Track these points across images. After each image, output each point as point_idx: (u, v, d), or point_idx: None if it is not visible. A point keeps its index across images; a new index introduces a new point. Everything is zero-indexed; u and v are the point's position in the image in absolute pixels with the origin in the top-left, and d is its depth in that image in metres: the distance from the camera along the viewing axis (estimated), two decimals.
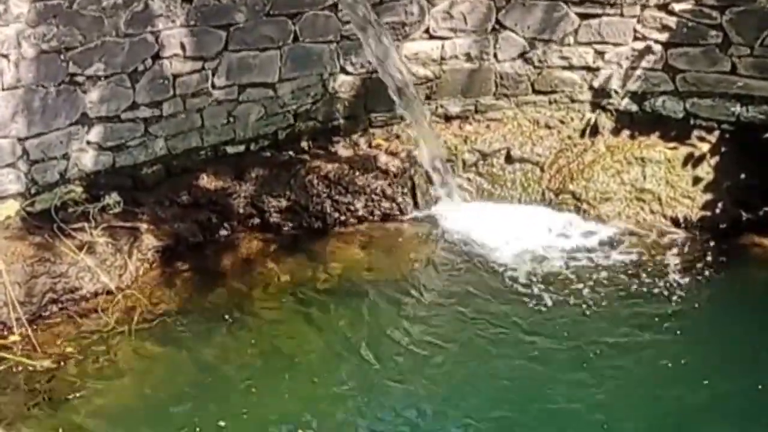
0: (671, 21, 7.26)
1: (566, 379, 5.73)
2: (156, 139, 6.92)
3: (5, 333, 5.94)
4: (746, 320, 6.21)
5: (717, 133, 7.34)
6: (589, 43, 7.45)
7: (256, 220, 7.04)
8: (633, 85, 7.49)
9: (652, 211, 7.18)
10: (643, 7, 7.30)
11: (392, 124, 7.57)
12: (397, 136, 7.56)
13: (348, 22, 7.18)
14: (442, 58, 7.52)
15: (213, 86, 7.00)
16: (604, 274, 6.64)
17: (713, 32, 7.18)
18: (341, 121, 7.52)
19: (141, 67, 6.68)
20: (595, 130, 7.53)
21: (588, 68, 7.52)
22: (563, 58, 7.50)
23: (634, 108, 7.53)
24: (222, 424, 5.40)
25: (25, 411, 5.45)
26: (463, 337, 6.10)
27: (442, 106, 7.63)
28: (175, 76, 6.83)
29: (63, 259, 6.30)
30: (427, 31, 7.45)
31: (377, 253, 6.92)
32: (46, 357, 5.82)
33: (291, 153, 7.37)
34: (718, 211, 7.09)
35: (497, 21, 7.44)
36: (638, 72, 7.45)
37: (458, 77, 7.57)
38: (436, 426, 5.47)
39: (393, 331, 6.17)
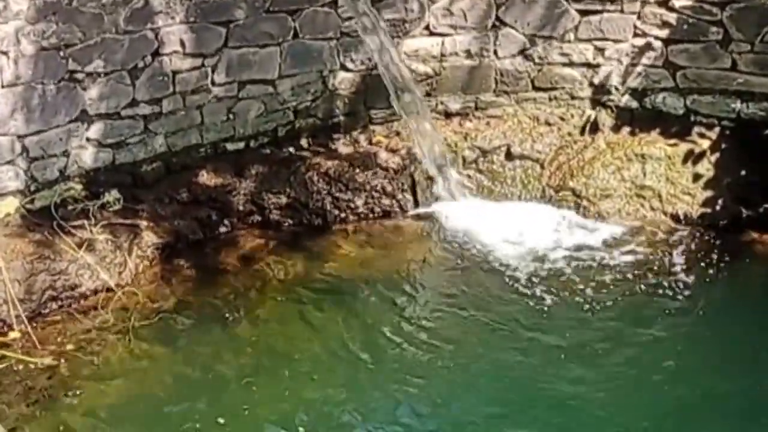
0: (671, 17, 7.26)
1: (567, 378, 5.72)
2: (156, 136, 6.92)
3: (5, 330, 5.95)
4: (747, 318, 6.20)
5: (717, 129, 7.33)
6: (589, 40, 7.44)
7: (256, 218, 7.04)
8: (633, 82, 7.49)
9: (652, 208, 7.18)
10: (644, 3, 7.29)
11: (392, 121, 7.56)
12: (398, 133, 7.55)
13: (348, 19, 7.17)
14: (442, 55, 7.51)
15: (213, 83, 7.00)
16: (604, 271, 6.63)
17: (714, 29, 7.17)
18: (341, 118, 7.51)
19: (141, 64, 6.68)
20: (595, 127, 7.53)
21: (588, 65, 7.51)
22: (563, 54, 7.49)
23: (635, 105, 7.53)
24: (221, 421, 5.41)
25: (24, 408, 5.46)
26: (464, 336, 6.10)
27: (442, 103, 7.63)
28: (175, 73, 6.83)
29: (63, 256, 6.30)
30: (427, 27, 7.44)
31: (377, 250, 6.92)
32: (46, 354, 5.82)
33: (291, 150, 7.36)
34: (718, 207, 7.09)
35: (497, 18, 7.43)
36: (638, 68, 7.44)
37: (458, 74, 7.56)
38: (435, 425, 5.47)
39: (393, 329, 6.17)
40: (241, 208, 7.00)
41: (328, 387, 5.70)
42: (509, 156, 7.46)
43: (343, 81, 7.42)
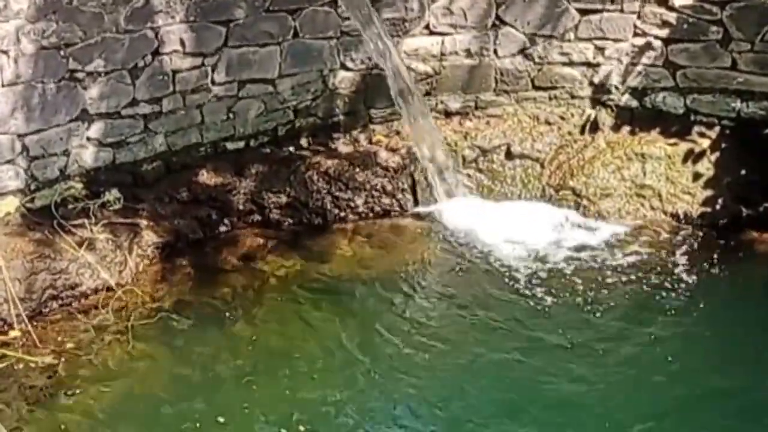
0: (671, 17, 7.26)
1: (568, 377, 5.73)
2: (156, 136, 6.92)
3: (5, 329, 5.95)
4: (748, 318, 6.20)
5: (717, 128, 7.33)
6: (589, 39, 7.44)
7: (256, 217, 7.04)
8: (633, 81, 7.49)
9: (652, 207, 7.18)
10: (644, 2, 7.29)
11: (392, 120, 7.56)
12: (398, 133, 7.55)
13: (348, 18, 7.17)
14: (442, 54, 7.51)
15: (213, 82, 7.00)
16: (604, 271, 6.63)
17: (714, 28, 7.17)
18: (341, 117, 7.51)
19: (141, 64, 6.68)
20: (595, 126, 7.53)
21: (588, 64, 7.51)
22: (563, 54, 7.49)
23: (635, 104, 7.53)
24: (221, 420, 5.41)
25: (25, 407, 5.46)
26: (463, 336, 6.10)
27: (442, 102, 7.62)
28: (175, 72, 6.83)
29: (63, 255, 6.30)
30: (427, 27, 7.44)
31: (377, 249, 6.92)
32: (46, 353, 5.82)
33: (291, 149, 7.37)
34: (718, 207, 7.09)
35: (497, 17, 7.43)
36: (638, 68, 7.44)
37: (458, 73, 7.56)
38: (435, 425, 5.46)
39: (393, 328, 6.17)
40: (241, 207, 7.00)
41: (327, 386, 5.69)
42: (509, 155, 7.46)
43: (343, 80, 7.42)
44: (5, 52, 6.13)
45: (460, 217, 7.16)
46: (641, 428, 5.38)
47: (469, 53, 7.51)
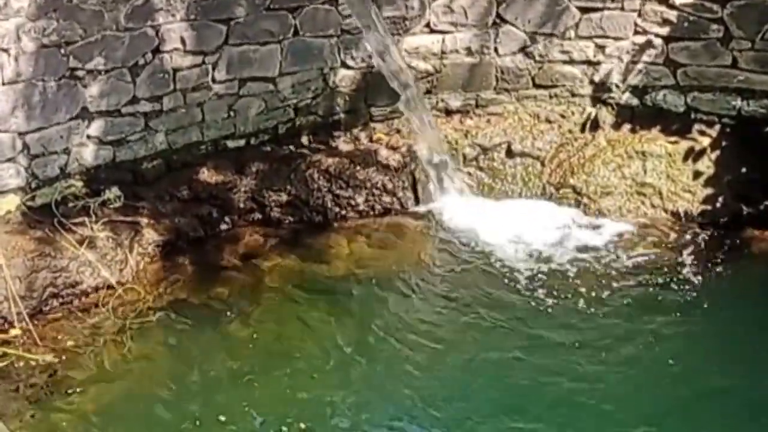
0: (672, 15, 7.25)
1: (569, 375, 5.73)
2: (156, 134, 6.92)
3: (6, 327, 5.94)
4: (748, 316, 6.20)
5: (718, 127, 7.33)
6: (589, 37, 7.44)
7: (257, 215, 7.04)
8: (634, 79, 7.49)
9: (652, 206, 7.18)
10: (644, 0, 7.29)
11: (393, 118, 7.56)
12: (398, 131, 7.55)
13: (349, 16, 7.17)
14: (443, 52, 7.51)
15: (213, 80, 6.99)
16: (605, 269, 6.63)
17: (714, 26, 7.17)
18: (342, 115, 7.51)
19: (141, 62, 6.68)
20: (595, 125, 7.53)
21: (589, 62, 7.51)
22: (564, 52, 7.49)
23: (635, 102, 7.53)
24: (222, 418, 5.40)
25: (26, 405, 5.45)
26: (464, 335, 6.09)
27: (442, 101, 7.62)
28: (176, 71, 6.83)
29: (63, 253, 6.30)
30: (427, 25, 7.44)
31: (378, 248, 6.92)
32: (47, 351, 5.82)
33: (291, 147, 7.36)
34: (718, 205, 7.09)
35: (498, 15, 7.43)
36: (639, 66, 7.44)
37: (459, 71, 7.56)
38: (436, 424, 5.46)
39: (393, 327, 6.17)
40: (241, 205, 7.00)
41: (327, 385, 5.69)
42: (510, 153, 7.46)
43: (344, 78, 7.42)
44: (6, 51, 6.12)
45: (461, 215, 7.15)
46: (643, 425, 5.38)
47: (469, 51, 7.51)
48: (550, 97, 7.60)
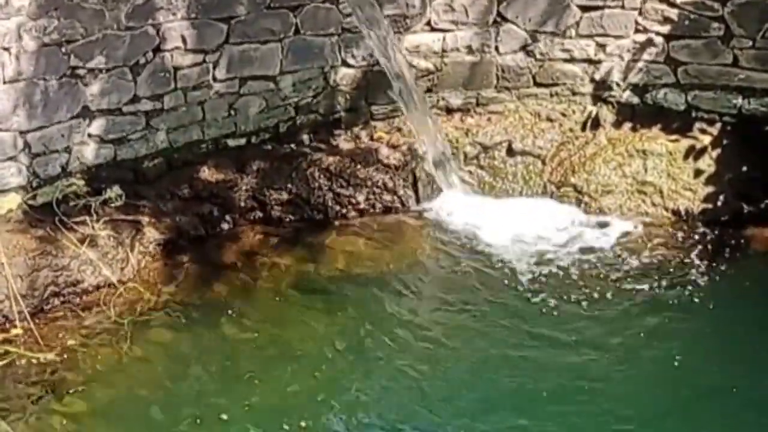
0: (673, 13, 7.25)
1: (570, 373, 5.73)
2: (157, 132, 6.92)
3: (8, 326, 5.95)
4: (748, 315, 6.20)
5: (719, 125, 7.33)
6: (590, 36, 7.44)
7: (258, 213, 7.04)
8: (634, 78, 7.49)
9: (653, 204, 7.18)
10: None
11: (393, 116, 7.56)
12: (399, 129, 7.55)
13: (349, 15, 7.17)
14: (444, 51, 7.50)
15: (214, 79, 6.99)
16: (605, 267, 6.63)
17: (715, 24, 7.17)
18: (342, 113, 7.51)
19: (142, 60, 6.68)
20: (596, 123, 7.53)
21: (589, 61, 7.51)
22: (565, 50, 7.49)
23: (636, 100, 7.53)
24: (224, 417, 5.41)
25: (27, 404, 5.46)
26: (466, 333, 6.09)
27: (443, 99, 7.62)
28: (177, 69, 6.83)
29: (65, 252, 6.30)
30: (428, 23, 7.43)
31: (379, 246, 6.92)
32: (49, 350, 5.82)
33: (292, 146, 7.36)
34: (719, 203, 7.09)
35: (499, 13, 7.42)
36: (640, 64, 7.44)
37: (459, 70, 7.56)
38: (437, 421, 5.46)
39: (394, 325, 6.17)
40: (242, 204, 7.00)
41: (329, 384, 5.70)
42: (510, 152, 7.46)
43: (345, 77, 7.42)
44: (7, 49, 6.12)
45: (462, 213, 7.15)
46: (643, 426, 5.38)
47: (470, 50, 7.51)
48: (551, 95, 7.60)
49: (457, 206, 7.24)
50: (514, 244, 6.84)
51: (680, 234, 6.96)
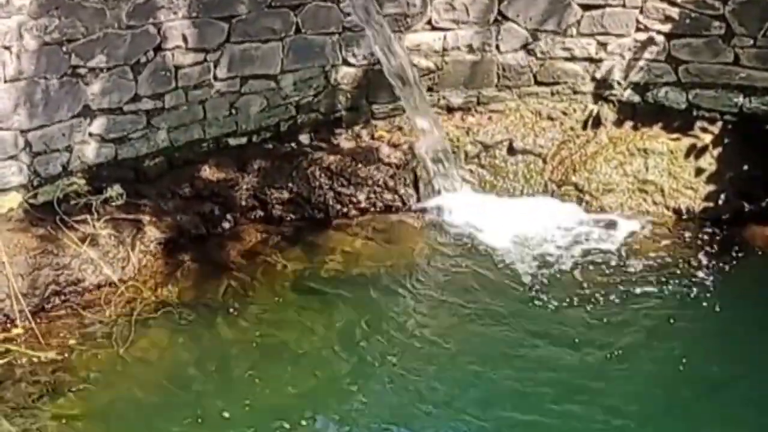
0: (674, 12, 7.25)
1: (571, 371, 5.74)
2: (158, 131, 6.92)
3: (9, 325, 5.95)
4: (750, 314, 6.19)
5: (720, 124, 7.33)
6: (591, 34, 7.44)
7: (259, 212, 7.04)
8: (635, 76, 7.48)
9: (654, 203, 7.18)
10: None
11: (394, 115, 7.56)
12: (400, 128, 7.55)
13: (350, 14, 7.17)
14: (444, 50, 7.50)
15: (215, 78, 6.99)
16: (606, 266, 6.63)
17: (716, 23, 7.17)
18: (343, 112, 7.52)
19: (143, 59, 6.68)
20: (597, 122, 7.53)
21: (590, 59, 7.51)
22: (566, 49, 7.49)
23: (637, 99, 7.53)
24: (226, 415, 5.41)
25: (29, 403, 5.46)
26: (466, 333, 6.09)
27: (444, 98, 7.62)
28: (177, 68, 6.83)
29: (66, 251, 6.30)
30: (429, 22, 7.43)
31: (379, 245, 6.92)
32: (50, 349, 5.82)
33: (293, 145, 7.36)
34: (720, 202, 7.09)
35: (499, 12, 7.42)
36: (641, 63, 7.44)
37: (460, 69, 7.55)
38: (437, 419, 5.47)
39: (395, 324, 6.18)
40: (243, 203, 7.00)
41: (330, 381, 5.71)
42: (511, 151, 7.46)
43: (345, 76, 7.42)
44: (8, 48, 6.12)
45: (463, 212, 7.15)
46: (643, 425, 5.38)
47: (471, 49, 7.51)
48: (552, 94, 7.60)
49: (458, 205, 7.23)
50: (515, 242, 6.84)
51: (681, 232, 6.96)
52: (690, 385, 5.63)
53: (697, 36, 7.25)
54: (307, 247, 6.85)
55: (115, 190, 6.69)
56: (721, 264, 6.64)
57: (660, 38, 7.35)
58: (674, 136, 7.34)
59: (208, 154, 7.13)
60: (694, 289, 6.40)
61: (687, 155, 7.24)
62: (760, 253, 6.79)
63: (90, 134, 6.65)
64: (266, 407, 5.49)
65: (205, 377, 5.73)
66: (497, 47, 7.51)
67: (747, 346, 5.95)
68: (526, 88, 7.60)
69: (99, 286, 6.32)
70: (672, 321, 6.14)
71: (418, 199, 7.30)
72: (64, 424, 5.35)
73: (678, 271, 6.58)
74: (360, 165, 7.22)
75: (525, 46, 7.51)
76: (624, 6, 7.34)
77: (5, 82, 6.17)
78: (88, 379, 5.65)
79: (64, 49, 6.34)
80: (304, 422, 5.39)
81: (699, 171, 7.18)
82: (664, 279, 6.50)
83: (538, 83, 7.59)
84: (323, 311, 6.30)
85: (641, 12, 7.33)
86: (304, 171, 7.14)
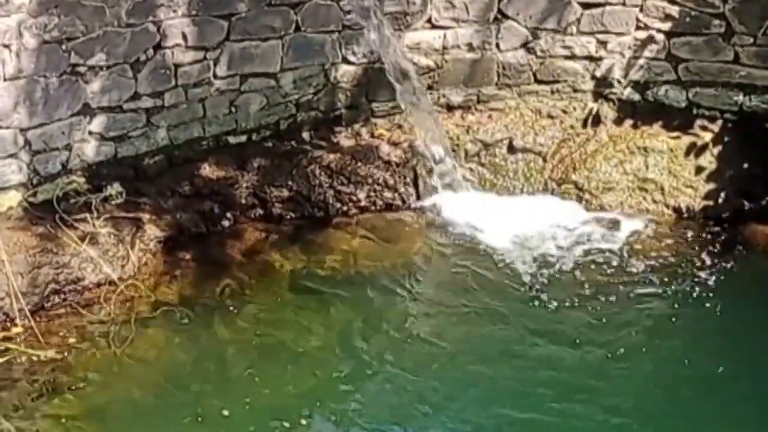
0: (674, 10, 7.25)
1: (571, 371, 5.74)
2: (158, 129, 6.91)
3: (8, 324, 5.95)
4: (750, 313, 6.19)
5: (720, 122, 7.33)
6: (591, 33, 7.44)
7: (259, 210, 7.04)
8: (635, 75, 7.48)
9: (654, 201, 7.18)
10: None
11: (394, 114, 7.55)
12: (399, 126, 7.55)
13: (350, 12, 7.17)
14: (444, 48, 7.50)
15: (215, 76, 6.99)
16: (606, 264, 6.64)
17: (716, 21, 7.16)
18: (343, 111, 7.51)
19: (143, 57, 6.67)
20: (597, 120, 7.52)
21: (590, 58, 7.50)
22: (565, 47, 7.48)
23: (637, 97, 7.52)
24: (225, 413, 5.41)
25: (28, 402, 5.46)
26: (465, 333, 6.10)
27: (444, 96, 7.62)
28: (177, 66, 6.82)
29: (65, 249, 6.30)
30: (429, 20, 7.43)
31: (379, 243, 6.92)
32: (49, 347, 5.82)
33: (293, 143, 7.36)
34: (720, 200, 7.09)
35: (499, 10, 7.41)
36: (641, 61, 7.44)
37: (460, 67, 7.55)
38: (437, 418, 5.47)
39: (394, 323, 6.18)
40: (243, 201, 7.00)
41: (330, 380, 5.71)
42: (511, 149, 7.45)
43: (345, 74, 7.42)
44: (7, 47, 6.11)
45: (462, 211, 7.15)
46: (643, 425, 5.38)
47: (471, 47, 7.50)
48: (552, 92, 7.60)
49: (458, 203, 7.23)
50: (515, 241, 6.83)
51: (681, 231, 6.96)
52: (690, 385, 5.64)
53: (697, 34, 7.25)
54: (306, 245, 6.85)
55: (114, 189, 6.68)
56: (721, 263, 6.64)
57: (660, 36, 7.34)
58: (674, 134, 7.34)
59: (207, 153, 7.13)
60: (694, 287, 6.41)
61: (687, 153, 7.24)
62: (760, 251, 6.79)
63: (90, 132, 6.64)
64: (265, 406, 5.49)
65: (204, 375, 5.73)
66: (497, 45, 7.51)
67: (748, 345, 5.96)
68: (526, 87, 7.60)
69: (99, 285, 6.32)
70: (673, 320, 6.15)
71: (418, 198, 7.30)
72: (63, 423, 5.35)
73: (677, 269, 6.58)
74: (360, 163, 7.21)
75: (525, 45, 7.50)
76: (624, 4, 7.33)
77: (5, 80, 6.16)
78: (88, 378, 5.65)
79: (64, 47, 6.33)
80: (302, 421, 5.40)
81: (699, 169, 7.19)
82: (663, 277, 6.50)
83: (538, 81, 7.59)
84: (323, 310, 6.30)
85: (641, 10, 7.33)
86: (304, 169, 7.13)
